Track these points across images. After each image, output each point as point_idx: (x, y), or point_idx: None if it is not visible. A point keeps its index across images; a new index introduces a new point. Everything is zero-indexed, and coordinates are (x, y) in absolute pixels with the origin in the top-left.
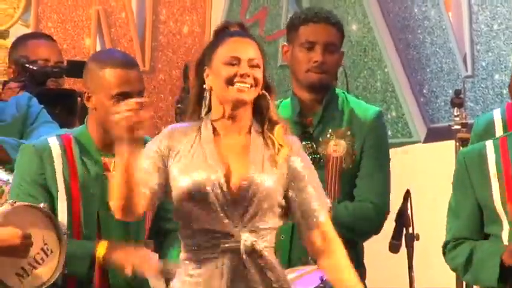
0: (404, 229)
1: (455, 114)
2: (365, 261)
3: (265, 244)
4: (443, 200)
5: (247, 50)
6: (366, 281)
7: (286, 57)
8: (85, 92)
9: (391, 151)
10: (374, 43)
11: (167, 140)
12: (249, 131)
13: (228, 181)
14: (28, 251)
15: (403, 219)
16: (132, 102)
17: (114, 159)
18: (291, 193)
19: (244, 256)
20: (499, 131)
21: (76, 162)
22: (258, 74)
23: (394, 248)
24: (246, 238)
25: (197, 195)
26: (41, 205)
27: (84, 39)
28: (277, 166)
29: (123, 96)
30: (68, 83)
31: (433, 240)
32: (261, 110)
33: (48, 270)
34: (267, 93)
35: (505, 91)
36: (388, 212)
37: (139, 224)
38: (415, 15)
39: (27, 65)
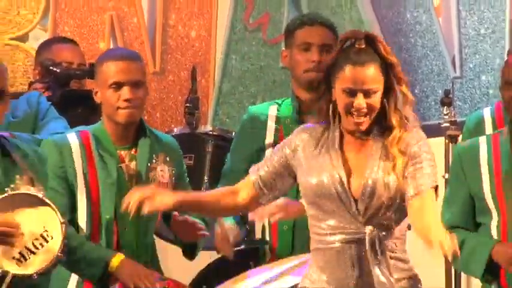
0: None
1: (445, 112)
2: None
3: (392, 237)
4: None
5: (364, 82)
6: None
7: (286, 61)
8: (93, 88)
9: None
10: None
11: (297, 140)
12: (372, 135)
13: (349, 180)
14: (11, 238)
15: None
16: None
17: (128, 151)
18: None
19: (368, 245)
20: (488, 129)
21: (94, 155)
22: (375, 99)
23: None
24: (370, 229)
25: (321, 192)
26: (40, 194)
27: (98, 43)
28: (397, 168)
29: (118, 85)
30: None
31: None
32: (383, 116)
33: (46, 257)
34: (386, 102)
35: (491, 91)
36: None
37: (153, 219)
38: (407, 20)
39: (51, 67)
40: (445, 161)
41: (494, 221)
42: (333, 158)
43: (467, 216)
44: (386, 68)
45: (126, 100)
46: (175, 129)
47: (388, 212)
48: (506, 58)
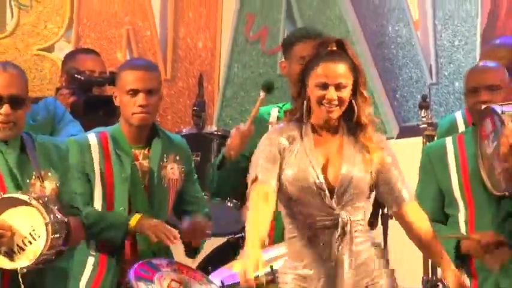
0: (380, 210)
1: (423, 115)
2: None
3: (358, 218)
4: (412, 186)
5: (335, 76)
6: None
7: (285, 71)
8: (113, 93)
9: None
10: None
11: (282, 139)
12: (341, 132)
13: (325, 174)
14: (3, 238)
15: (379, 202)
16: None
17: (142, 150)
18: (378, 179)
19: (339, 230)
20: (461, 129)
21: (111, 153)
22: (344, 94)
23: (372, 225)
24: (343, 215)
25: (301, 184)
26: (27, 197)
27: (116, 53)
28: (368, 162)
29: (134, 92)
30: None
31: None
32: (352, 114)
33: (32, 253)
34: (354, 101)
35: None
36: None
37: (162, 204)
38: (389, 33)
39: (76, 75)
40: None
41: (461, 213)
42: (309, 152)
43: (437, 209)
44: (355, 70)
45: (140, 106)
46: (184, 130)
47: (359, 202)
48: None
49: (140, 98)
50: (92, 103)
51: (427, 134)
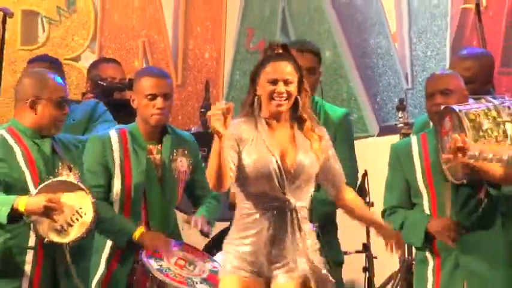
0: (363, 196)
1: (400, 116)
2: (337, 221)
3: (304, 204)
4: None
5: (283, 73)
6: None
7: None
8: (131, 96)
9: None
10: (341, 65)
11: (237, 131)
12: (291, 125)
13: (283, 161)
14: (51, 213)
15: (363, 191)
16: (220, 105)
17: (155, 146)
18: (323, 167)
19: (288, 213)
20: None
21: (129, 148)
22: (292, 89)
23: None
24: (292, 200)
25: (259, 170)
26: (76, 181)
27: (134, 62)
28: (316, 151)
29: (153, 96)
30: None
31: (382, 206)
32: (296, 109)
33: (79, 229)
34: (299, 97)
35: None
36: (357, 183)
37: (173, 193)
38: (371, 45)
39: (99, 82)
40: None
41: (425, 201)
42: (267, 142)
43: (405, 197)
44: (299, 70)
45: (158, 108)
46: (192, 128)
47: (307, 187)
48: None
49: (158, 102)
50: (113, 105)
51: (403, 132)
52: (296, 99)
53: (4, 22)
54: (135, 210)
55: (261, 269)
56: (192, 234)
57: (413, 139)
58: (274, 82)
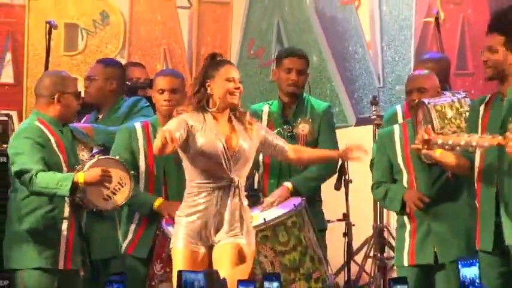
0: (343, 176)
1: (373, 109)
2: (322, 195)
3: (243, 182)
4: (365, 160)
5: (237, 73)
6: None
7: (275, 78)
8: (152, 94)
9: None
10: (326, 68)
11: (189, 120)
12: (229, 118)
13: (228, 145)
14: (106, 182)
15: (343, 170)
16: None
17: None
18: (264, 144)
19: (233, 189)
20: (400, 119)
21: (151, 137)
22: (241, 87)
23: (336, 187)
24: (236, 179)
25: (209, 152)
26: (117, 157)
27: (156, 66)
28: (251, 136)
29: (162, 91)
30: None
31: (359, 183)
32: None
33: (122, 196)
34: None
35: (402, 96)
36: (337, 167)
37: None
38: (349, 52)
39: (127, 82)
40: (373, 140)
41: (404, 178)
42: (214, 130)
43: (388, 174)
44: None
45: (165, 100)
46: None
47: (245, 167)
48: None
49: (165, 96)
50: None
51: (376, 123)
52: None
53: (50, 33)
54: (157, 186)
55: (206, 239)
56: None
57: (396, 127)
58: (232, 80)
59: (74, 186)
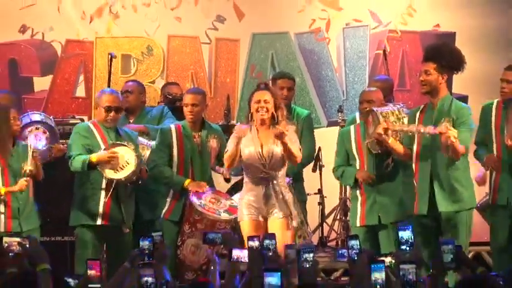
0: (318, 162)
1: (339, 115)
2: (303, 176)
3: (279, 176)
4: (333, 151)
5: (264, 96)
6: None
7: None
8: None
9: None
10: (306, 86)
11: (238, 134)
12: (269, 128)
13: (262, 151)
14: (112, 161)
15: (318, 158)
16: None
17: (198, 133)
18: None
19: (271, 181)
20: (358, 121)
21: (182, 136)
22: (269, 106)
23: (313, 170)
24: (271, 173)
25: (250, 157)
26: (125, 143)
27: (186, 85)
28: (281, 145)
29: (186, 105)
30: None
31: (329, 167)
32: (274, 118)
33: (128, 169)
34: (274, 112)
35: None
36: (314, 156)
37: (208, 161)
38: (322, 74)
39: (167, 96)
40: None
41: (357, 163)
42: (254, 140)
43: (346, 161)
44: (274, 96)
45: (188, 111)
46: (219, 122)
47: (277, 166)
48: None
49: (188, 108)
50: (176, 110)
51: (341, 125)
52: (273, 114)
53: (111, 61)
54: (186, 170)
55: (262, 212)
56: (221, 183)
57: (352, 127)
58: (257, 102)
59: (90, 165)
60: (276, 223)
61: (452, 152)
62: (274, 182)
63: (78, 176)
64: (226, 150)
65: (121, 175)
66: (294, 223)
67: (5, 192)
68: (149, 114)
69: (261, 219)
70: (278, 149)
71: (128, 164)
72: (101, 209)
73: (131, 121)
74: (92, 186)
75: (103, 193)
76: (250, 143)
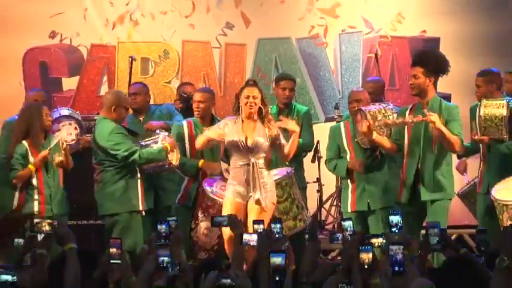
0: (317, 154)
1: (336, 112)
2: (304, 166)
3: (261, 162)
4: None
5: (253, 92)
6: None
7: (275, 93)
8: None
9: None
10: (306, 86)
11: (227, 122)
12: (255, 120)
13: (246, 140)
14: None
15: (317, 150)
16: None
17: (207, 128)
18: (272, 145)
19: (252, 166)
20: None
21: (193, 131)
22: (257, 101)
23: (312, 161)
24: (253, 160)
25: (235, 144)
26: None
27: (198, 85)
28: (268, 134)
29: (195, 102)
30: None
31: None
32: (260, 112)
33: (176, 157)
34: (262, 107)
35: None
36: (312, 145)
37: (217, 151)
38: (321, 75)
39: (182, 94)
40: None
41: (348, 156)
42: (238, 130)
43: (337, 153)
44: (261, 92)
45: (196, 108)
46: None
47: (260, 154)
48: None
49: (195, 105)
50: (189, 107)
51: (337, 120)
52: (260, 108)
53: (131, 63)
54: (198, 158)
55: (243, 195)
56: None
57: (342, 124)
58: (247, 97)
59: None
60: (253, 205)
61: (443, 140)
62: (255, 167)
63: (119, 167)
64: (206, 132)
65: (174, 162)
66: (263, 203)
67: (33, 163)
68: (156, 112)
69: (241, 200)
70: (262, 140)
71: (173, 151)
72: (140, 196)
73: (141, 119)
74: (128, 175)
75: (139, 182)
76: (234, 132)
